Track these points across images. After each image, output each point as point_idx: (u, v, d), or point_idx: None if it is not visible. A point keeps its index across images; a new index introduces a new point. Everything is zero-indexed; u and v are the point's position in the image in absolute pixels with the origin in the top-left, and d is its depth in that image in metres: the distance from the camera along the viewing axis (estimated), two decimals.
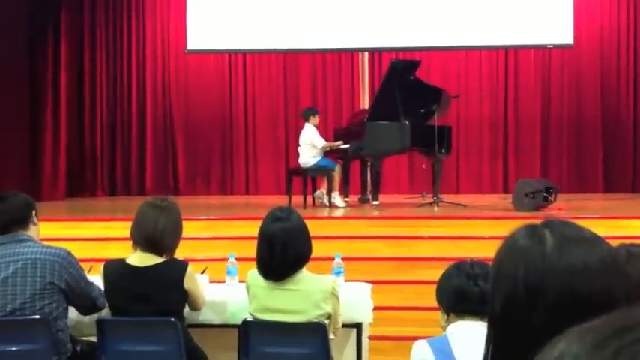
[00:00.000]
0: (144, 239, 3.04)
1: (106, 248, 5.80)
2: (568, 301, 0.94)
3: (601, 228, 5.68)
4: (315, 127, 7.92)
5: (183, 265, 3.08)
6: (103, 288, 3.12)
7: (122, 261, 3.10)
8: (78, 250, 3.38)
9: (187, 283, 3.05)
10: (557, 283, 0.95)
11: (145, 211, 3.08)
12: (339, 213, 7.43)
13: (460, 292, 1.98)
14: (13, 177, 8.40)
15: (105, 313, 3.16)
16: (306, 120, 7.95)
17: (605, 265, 0.97)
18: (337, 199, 7.70)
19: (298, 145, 7.98)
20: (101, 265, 3.17)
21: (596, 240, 1.01)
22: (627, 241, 2.13)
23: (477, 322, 1.90)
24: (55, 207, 8.12)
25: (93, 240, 6.17)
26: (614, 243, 1.34)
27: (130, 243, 3.17)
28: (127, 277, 3.03)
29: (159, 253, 3.05)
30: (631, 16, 9.45)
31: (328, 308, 2.93)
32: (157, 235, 3.02)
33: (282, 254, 2.90)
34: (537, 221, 1.05)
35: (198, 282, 3.21)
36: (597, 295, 0.94)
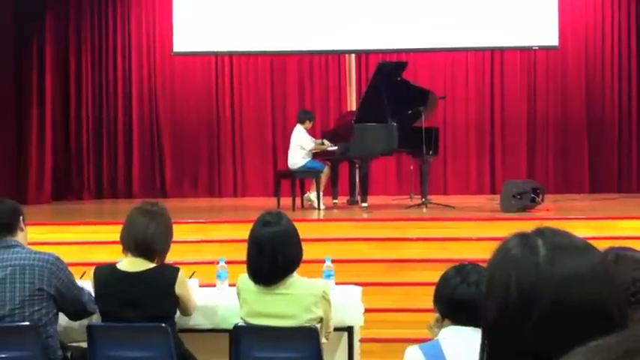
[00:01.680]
0: (134, 245, 3.04)
1: (93, 252, 5.77)
2: (560, 310, 0.95)
3: (588, 229, 5.73)
4: (306, 130, 7.91)
5: (174, 271, 3.07)
6: (93, 293, 3.11)
7: (113, 266, 3.09)
8: (65, 255, 3.35)
9: (178, 289, 3.05)
10: (550, 292, 0.96)
11: (135, 217, 3.07)
12: (328, 215, 7.43)
13: (456, 299, 1.94)
14: None
15: (95, 318, 3.15)
16: (299, 122, 7.94)
17: (596, 274, 0.98)
18: (320, 200, 7.69)
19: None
20: (91, 270, 3.15)
21: (587, 248, 1.02)
22: (614, 242, 2.17)
23: (470, 328, 1.87)
24: (41, 210, 8.04)
25: (80, 244, 6.13)
26: (601, 243, 1.36)
27: (117, 247, 3.16)
28: (118, 283, 3.02)
29: (150, 259, 3.05)
30: (615, 16, 9.52)
31: (319, 312, 2.93)
32: (147, 240, 3.02)
33: (271, 259, 2.90)
34: (529, 229, 1.06)
35: (190, 287, 3.20)
36: (589, 303, 0.95)
